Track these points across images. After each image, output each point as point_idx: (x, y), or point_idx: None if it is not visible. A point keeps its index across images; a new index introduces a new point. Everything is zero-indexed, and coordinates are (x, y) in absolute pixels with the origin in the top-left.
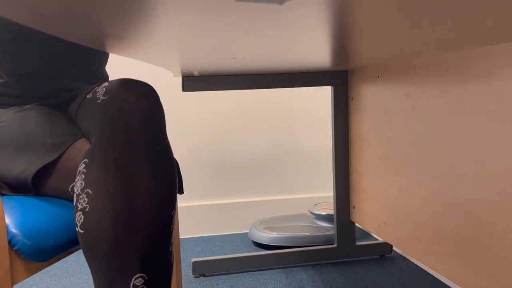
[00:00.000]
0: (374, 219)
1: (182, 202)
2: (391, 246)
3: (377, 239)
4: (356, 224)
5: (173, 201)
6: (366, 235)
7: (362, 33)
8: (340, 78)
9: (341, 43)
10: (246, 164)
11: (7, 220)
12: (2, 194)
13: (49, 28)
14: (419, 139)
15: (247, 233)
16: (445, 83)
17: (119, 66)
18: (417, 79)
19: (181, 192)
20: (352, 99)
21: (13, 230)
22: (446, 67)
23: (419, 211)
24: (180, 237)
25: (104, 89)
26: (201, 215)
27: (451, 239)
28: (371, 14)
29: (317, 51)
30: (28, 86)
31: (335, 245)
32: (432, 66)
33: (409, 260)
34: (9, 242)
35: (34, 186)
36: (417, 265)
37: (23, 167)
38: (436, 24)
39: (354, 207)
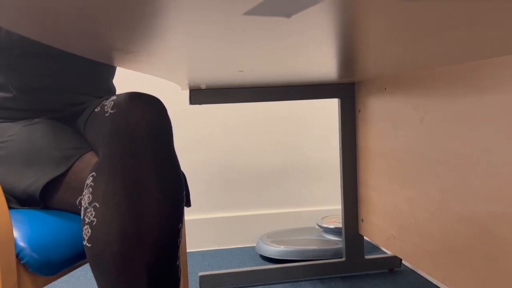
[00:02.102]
0: (383, 232)
1: (188, 215)
2: (401, 259)
3: (386, 253)
4: (365, 237)
5: (181, 215)
6: (375, 248)
7: (369, 45)
8: (347, 91)
9: (348, 56)
10: (253, 177)
11: (15, 234)
12: (11, 208)
13: (59, 43)
14: (428, 151)
15: (254, 246)
16: (454, 95)
17: (126, 80)
18: (425, 91)
19: (188, 205)
20: (359, 111)
21: (21, 243)
22: (454, 79)
23: (428, 223)
24: (187, 250)
25: (112, 102)
26: (207, 229)
27: (462, 252)
28: (378, 27)
29: (324, 64)
30: (36, 101)
31: (343, 259)
32: (440, 77)
33: (419, 274)
34: (17, 255)
35: (42, 199)
36: (427, 279)
37: (31, 180)
38: (444, 36)
39: (362, 220)
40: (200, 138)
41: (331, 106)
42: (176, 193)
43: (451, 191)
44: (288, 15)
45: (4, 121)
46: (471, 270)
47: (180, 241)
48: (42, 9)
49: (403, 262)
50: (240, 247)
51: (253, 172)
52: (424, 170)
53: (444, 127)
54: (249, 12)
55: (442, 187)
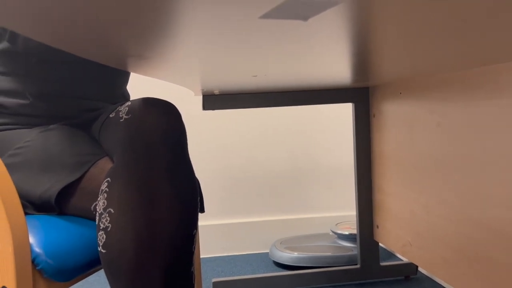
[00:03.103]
0: (398, 239)
1: (202, 221)
2: (417, 266)
3: (401, 260)
4: (380, 244)
5: (195, 221)
6: (390, 255)
7: (384, 49)
8: (361, 95)
9: (363, 59)
10: (267, 183)
11: (31, 240)
12: (27, 213)
13: (74, 49)
14: (445, 156)
15: (267, 252)
16: (472, 99)
17: (140, 86)
18: (441, 96)
19: (202, 211)
20: (374, 116)
21: (37, 249)
22: (472, 83)
23: (445, 231)
24: (201, 256)
25: (127, 108)
26: (221, 234)
27: (480, 261)
28: (393, 31)
29: (338, 68)
30: (52, 107)
31: (358, 266)
32: (457, 81)
33: (436, 282)
34: (33, 261)
35: (57, 205)
36: (444, 287)
37: (47, 186)
38: (461, 39)
39: (377, 226)
40: (213, 143)
41: (345, 111)
42: (190, 199)
43: (469, 197)
44: (305, 18)
45: (21, 128)
46: (489, 278)
47: (194, 247)
48: (58, 16)
49: (419, 269)
50: (253, 253)
51: (267, 177)
52: (441, 175)
53: (462, 132)
54: (265, 16)
55: (459, 193)
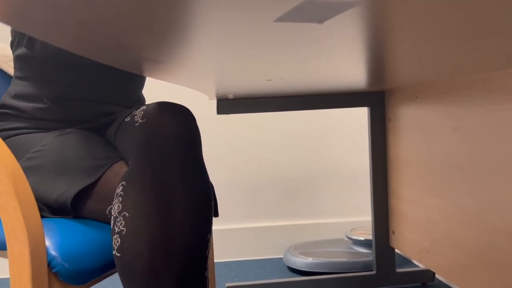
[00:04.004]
0: (415, 245)
1: (216, 225)
2: (434, 273)
3: (418, 266)
4: (396, 250)
5: (209, 225)
6: (407, 261)
7: (400, 53)
8: (376, 99)
9: (379, 63)
10: (281, 187)
11: (47, 243)
12: (43, 216)
13: (91, 54)
14: (462, 161)
15: (281, 258)
16: (490, 103)
17: (155, 90)
18: (458, 99)
19: (216, 215)
20: (390, 120)
21: (53, 252)
22: (491, 86)
23: (463, 237)
24: (214, 260)
25: (142, 112)
26: (235, 239)
27: (500, 268)
28: (410, 33)
29: (353, 72)
30: (68, 111)
31: (374, 272)
32: (475, 85)
33: None
34: (49, 264)
35: (73, 208)
36: None
37: (63, 189)
38: (479, 42)
39: (393, 232)
40: (227, 147)
41: (360, 115)
42: (204, 203)
43: (487, 203)
44: (321, 21)
45: (38, 131)
46: (510, 285)
47: (208, 251)
48: (75, 21)
49: (437, 276)
50: (267, 258)
51: (281, 182)
52: (458, 181)
53: (479, 136)
54: (280, 19)
55: (477, 199)
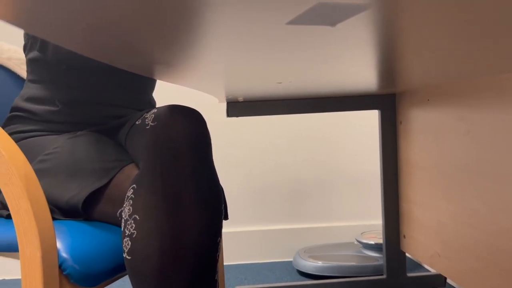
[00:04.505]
0: (426, 249)
1: (225, 227)
2: (445, 278)
3: (429, 271)
4: (407, 254)
5: (219, 229)
6: (418, 266)
7: (411, 55)
8: (387, 102)
9: (390, 65)
10: (291, 190)
11: (58, 245)
12: (54, 219)
13: (103, 57)
14: (474, 165)
15: (291, 261)
16: (503, 106)
17: (164, 92)
18: (471, 102)
19: (226, 218)
20: (401, 123)
21: (64, 254)
22: (504, 89)
23: (476, 241)
24: (224, 263)
25: (153, 115)
26: (244, 242)
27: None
28: (422, 35)
29: (364, 74)
30: (80, 114)
31: (384, 276)
32: (488, 87)
33: None
34: (60, 266)
35: (84, 211)
36: None
37: (74, 192)
38: (492, 43)
39: (404, 236)
40: (237, 150)
41: (370, 118)
42: (215, 206)
43: (499, 207)
44: (333, 24)
45: (50, 134)
46: None
47: (218, 255)
48: (87, 24)
49: (448, 280)
50: (277, 261)
51: (291, 185)
52: (470, 184)
53: (492, 139)
54: (293, 22)
55: (490, 203)
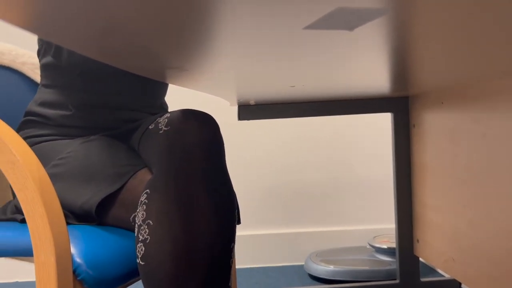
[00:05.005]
0: (440, 254)
1: (237, 231)
2: (460, 283)
3: (443, 276)
4: (420, 259)
5: (233, 234)
6: (432, 270)
7: (425, 57)
8: (400, 105)
9: (403, 68)
10: (303, 194)
11: (72, 250)
12: (68, 223)
13: (117, 61)
14: (491, 168)
15: (303, 265)
16: None
17: (175, 96)
18: (487, 105)
19: (239, 222)
20: (414, 126)
21: (78, 259)
22: None
23: (492, 246)
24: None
25: (166, 120)
26: (256, 245)
27: None
28: (436, 38)
29: (377, 77)
30: (93, 118)
31: (397, 281)
32: (504, 89)
33: None
34: (74, 271)
35: (97, 215)
36: None
37: (88, 197)
38: (507, 46)
39: (418, 240)
40: (249, 153)
41: (383, 120)
42: (228, 212)
43: None
44: (351, 28)
45: (63, 138)
46: None
47: (232, 261)
48: (100, 29)
49: (463, 286)
50: (288, 265)
51: (303, 189)
52: (486, 188)
53: (509, 142)
54: (311, 27)
55: (506, 207)
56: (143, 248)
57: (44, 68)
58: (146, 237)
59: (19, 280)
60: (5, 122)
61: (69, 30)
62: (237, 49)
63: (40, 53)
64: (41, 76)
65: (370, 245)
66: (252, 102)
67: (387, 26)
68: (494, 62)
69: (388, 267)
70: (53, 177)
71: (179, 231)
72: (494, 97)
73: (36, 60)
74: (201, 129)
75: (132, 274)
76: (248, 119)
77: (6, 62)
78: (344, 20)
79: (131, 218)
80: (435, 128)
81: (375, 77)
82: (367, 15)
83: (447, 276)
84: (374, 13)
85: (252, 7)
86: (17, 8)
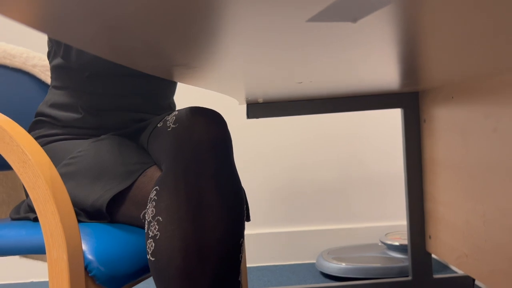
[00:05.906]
0: (453, 250)
1: (248, 229)
2: (473, 280)
3: (456, 272)
4: (433, 255)
5: (242, 230)
6: (444, 267)
7: (435, 52)
8: (410, 100)
9: (412, 62)
10: (313, 191)
11: (84, 247)
12: (79, 221)
13: (125, 60)
14: (503, 163)
15: (314, 263)
16: None
17: (183, 95)
18: (497, 99)
19: (248, 219)
20: (425, 121)
21: (89, 256)
22: None
23: (505, 241)
24: (247, 265)
25: (174, 117)
26: (266, 243)
27: None
28: (446, 32)
29: (386, 72)
30: (102, 120)
31: (410, 278)
32: None
33: None
34: (85, 268)
35: (108, 213)
36: None
37: (98, 195)
38: None
39: (430, 237)
40: (258, 151)
41: (393, 116)
42: (237, 208)
43: None
44: (354, 20)
45: (74, 138)
46: None
47: (241, 256)
48: (108, 27)
49: (476, 282)
50: (300, 263)
51: (313, 186)
52: (498, 183)
53: None
54: (313, 19)
55: None
56: (153, 244)
57: (54, 69)
58: (156, 233)
59: (34, 280)
60: (17, 122)
61: (76, 28)
62: (243, 44)
63: (50, 55)
64: (51, 77)
65: (382, 242)
66: (260, 100)
67: (392, 19)
68: (505, 56)
69: (400, 264)
70: (64, 176)
71: (189, 227)
72: (505, 91)
73: (46, 62)
74: (209, 125)
75: (143, 270)
76: (257, 117)
77: (18, 64)
78: (346, 11)
79: (141, 215)
80: (445, 123)
81: (384, 72)
82: (369, 5)
83: (460, 272)
84: (376, 4)
85: (256, 3)
86: (26, 7)
